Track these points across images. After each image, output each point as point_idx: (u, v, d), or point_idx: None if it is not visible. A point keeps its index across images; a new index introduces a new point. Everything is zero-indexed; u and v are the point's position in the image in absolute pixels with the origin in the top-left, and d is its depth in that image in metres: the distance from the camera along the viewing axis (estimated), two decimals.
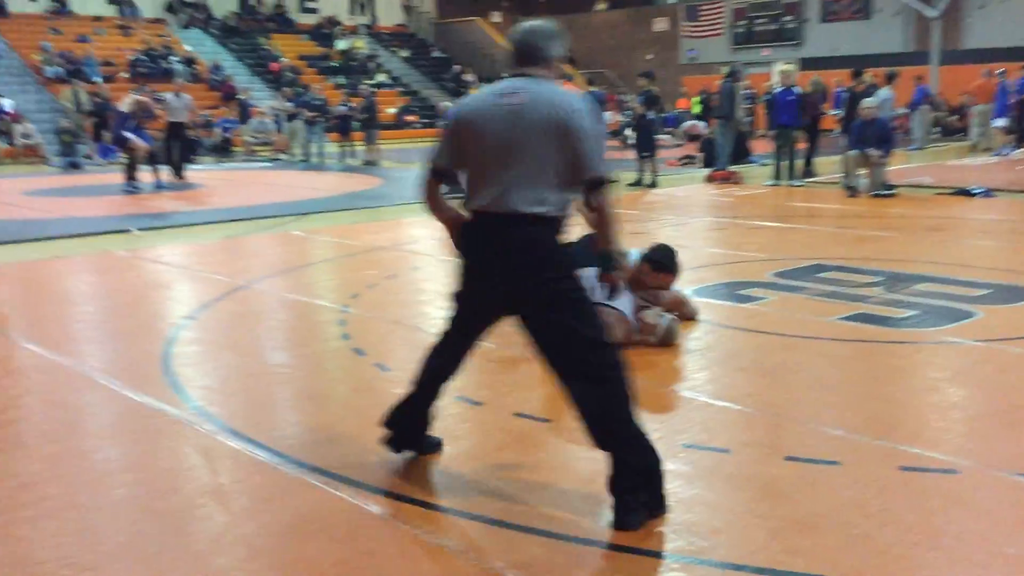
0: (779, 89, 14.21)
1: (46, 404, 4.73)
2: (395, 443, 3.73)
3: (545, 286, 3.16)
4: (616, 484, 3.16)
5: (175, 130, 16.56)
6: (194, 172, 17.37)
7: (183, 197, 14.73)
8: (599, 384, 3.16)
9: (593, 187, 3.15)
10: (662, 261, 5.82)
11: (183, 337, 5.87)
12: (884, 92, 14.07)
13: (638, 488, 3.16)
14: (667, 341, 5.36)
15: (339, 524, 3.26)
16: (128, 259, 8.93)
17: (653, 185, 14.41)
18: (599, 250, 3.30)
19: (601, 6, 37.00)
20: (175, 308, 6.90)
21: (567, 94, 3.20)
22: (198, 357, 5.51)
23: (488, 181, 3.17)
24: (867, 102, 12.85)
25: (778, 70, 14.61)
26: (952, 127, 23.90)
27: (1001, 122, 19.09)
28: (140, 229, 10.69)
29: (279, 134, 23.28)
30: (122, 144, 15.12)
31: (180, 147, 16.72)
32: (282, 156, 22.41)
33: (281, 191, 15.39)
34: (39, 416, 4.57)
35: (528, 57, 3.23)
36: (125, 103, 15.54)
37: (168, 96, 16.86)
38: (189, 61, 28.42)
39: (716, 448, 3.88)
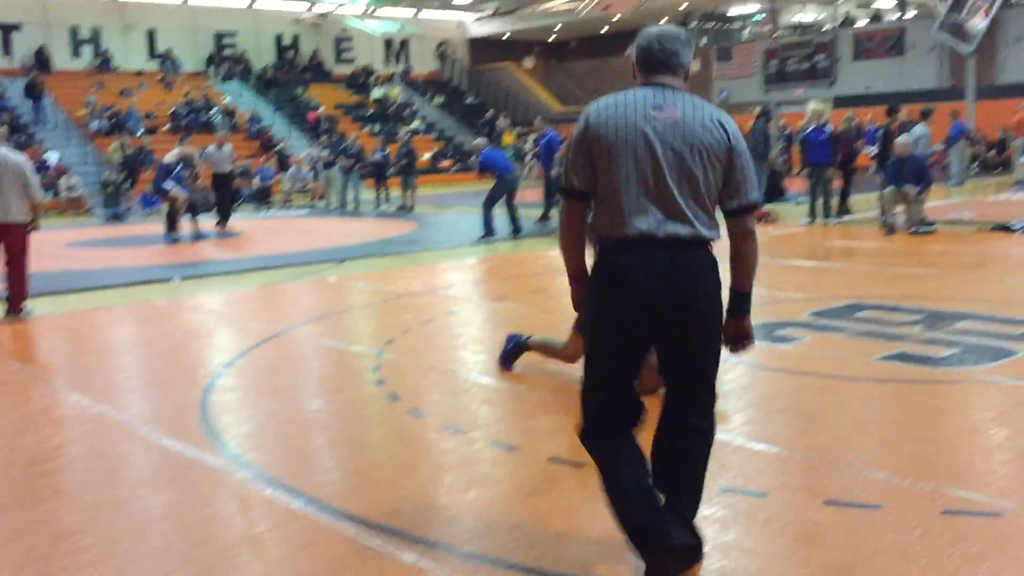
0: (811, 128, 14.18)
1: (87, 453, 4.79)
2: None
3: (704, 317, 2.92)
4: None
5: (220, 181, 16.98)
6: (233, 221, 17.65)
7: (223, 245, 14.96)
8: (701, 432, 3.02)
9: (746, 212, 2.96)
10: None
11: (221, 385, 5.93)
12: (919, 128, 13.97)
13: None
14: None
15: (373, 574, 3.25)
16: (168, 308, 9.06)
17: None
18: (734, 289, 3.04)
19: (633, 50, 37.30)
20: (214, 356, 6.98)
21: (721, 111, 2.96)
22: (236, 404, 5.56)
23: (642, 203, 2.83)
24: (901, 139, 12.78)
25: (809, 109, 14.59)
26: (991, 162, 23.65)
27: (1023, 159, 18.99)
28: (181, 278, 10.85)
29: (316, 182, 23.62)
30: (163, 195, 15.43)
31: (224, 197, 17.14)
32: (318, 204, 22.71)
33: (318, 238, 15.57)
34: (80, 465, 4.63)
35: (666, 65, 2.93)
36: (171, 154, 15.92)
37: (210, 148, 17.25)
38: (229, 112, 29.03)
39: (753, 492, 3.83)
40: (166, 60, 31.52)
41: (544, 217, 15.80)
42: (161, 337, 7.70)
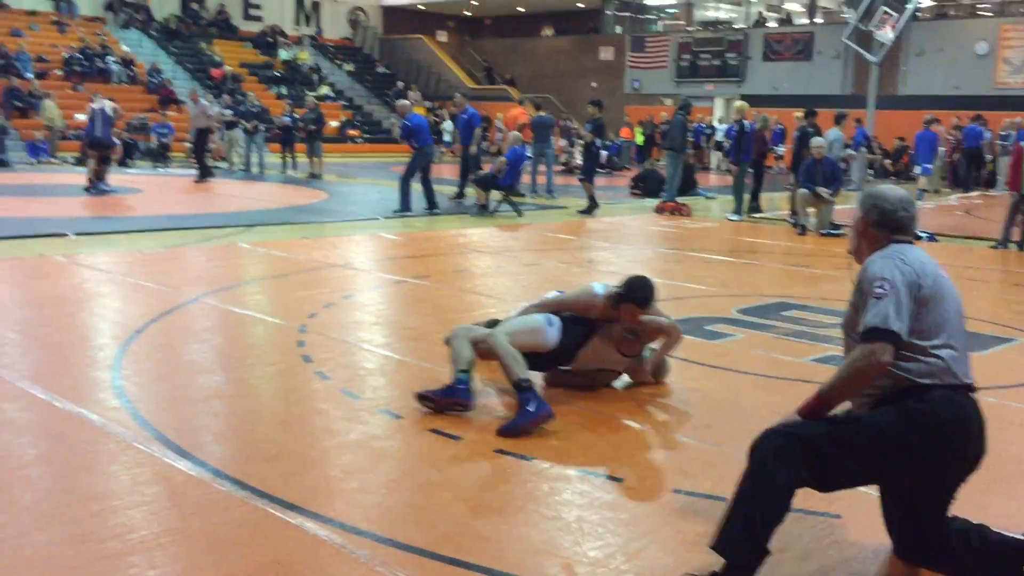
0: (734, 125, 14.34)
1: None
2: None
3: None
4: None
5: (201, 136, 18.14)
6: (130, 176, 16.90)
7: (121, 202, 14.23)
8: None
9: None
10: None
11: (133, 351, 5.54)
12: (833, 132, 14.27)
13: None
14: (658, 376, 5.28)
15: (319, 563, 3.02)
16: (66, 265, 8.49)
17: (589, 212, 14.22)
18: None
19: (548, 32, 37.20)
20: (124, 320, 6.51)
21: None
22: (151, 374, 5.19)
23: (959, 350, 2.99)
24: (817, 141, 12.99)
25: (735, 107, 14.72)
26: (887, 170, 24.50)
27: (918, 170, 19.80)
28: (77, 234, 10.23)
29: (218, 142, 22.75)
30: (102, 146, 15.23)
31: (202, 152, 18.29)
32: (220, 165, 21.92)
33: (224, 201, 14.98)
34: None
35: (910, 228, 3.18)
36: (108, 106, 15.56)
37: (187, 104, 18.36)
38: (127, 62, 27.70)
39: (703, 493, 3.74)
40: (61, 1, 29.85)
41: (459, 195, 15.55)
42: (60, 298, 7.18)
